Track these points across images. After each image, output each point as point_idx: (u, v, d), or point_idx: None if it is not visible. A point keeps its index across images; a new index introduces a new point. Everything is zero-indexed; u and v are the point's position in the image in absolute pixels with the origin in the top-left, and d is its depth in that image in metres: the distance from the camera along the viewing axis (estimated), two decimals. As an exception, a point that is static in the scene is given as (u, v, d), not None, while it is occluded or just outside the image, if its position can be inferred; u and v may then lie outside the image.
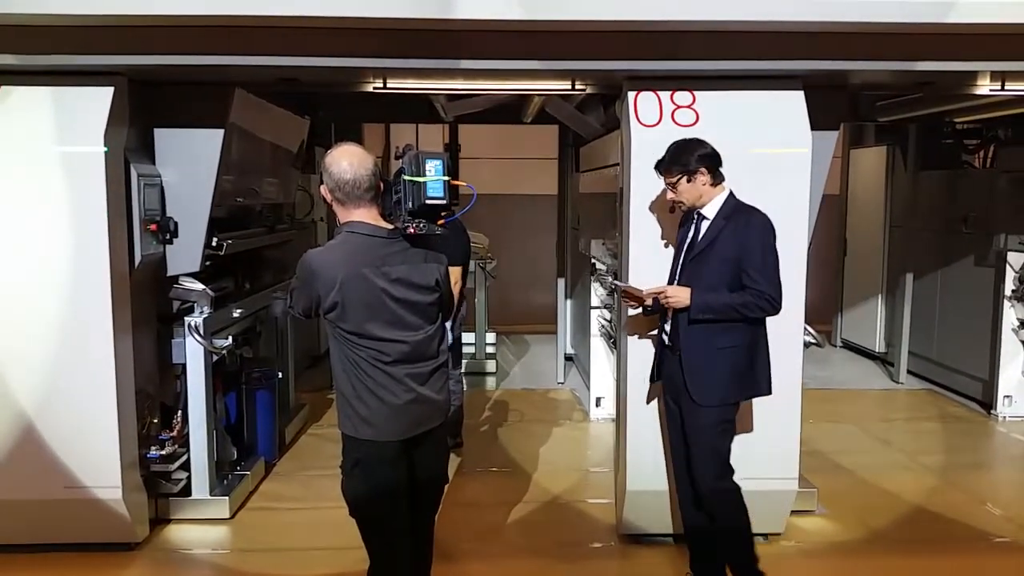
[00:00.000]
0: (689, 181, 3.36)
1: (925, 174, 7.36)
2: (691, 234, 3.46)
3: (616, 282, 3.50)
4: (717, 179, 3.38)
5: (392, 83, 4.29)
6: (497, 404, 6.82)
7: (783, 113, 3.86)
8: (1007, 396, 6.36)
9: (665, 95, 3.88)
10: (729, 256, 3.29)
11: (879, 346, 8.06)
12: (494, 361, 7.95)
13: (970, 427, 6.27)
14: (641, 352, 3.95)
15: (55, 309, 3.77)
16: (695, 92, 3.88)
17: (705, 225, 3.40)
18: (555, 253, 7.62)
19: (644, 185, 3.86)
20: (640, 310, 3.66)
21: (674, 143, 3.46)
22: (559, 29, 3.54)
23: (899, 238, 7.64)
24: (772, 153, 3.79)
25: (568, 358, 7.73)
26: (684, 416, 3.42)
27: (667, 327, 3.50)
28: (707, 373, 3.33)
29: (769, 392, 3.44)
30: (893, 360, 7.51)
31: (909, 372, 7.43)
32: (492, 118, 6.56)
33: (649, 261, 3.89)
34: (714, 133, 3.82)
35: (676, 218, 3.86)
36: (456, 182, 2.74)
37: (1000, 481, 5.35)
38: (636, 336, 3.95)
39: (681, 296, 3.31)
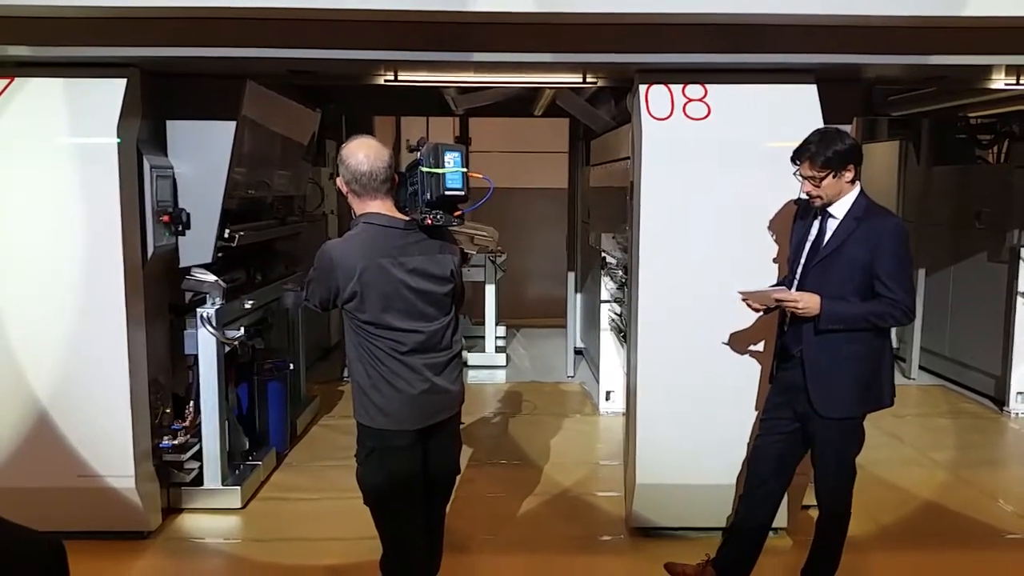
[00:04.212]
0: (835, 177, 3.12)
1: (938, 169, 7.31)
2: (814, 233, 3.25)
3: (741, 291, 3.36)
4: (857, 176, 3.17)
5: (403, 76, 4.30)
6: (507, 397, 6.83)
7: (795, 107, 3.84)
8: (1020, 393, 6.31)
9: (677, 88, 3.86)
10: (860, 260, 3.11)
11: (892, 341, 8.01)
12: (504, 354, 7.97)
13: (982, 423, 6.23)
14: (651, 346, 3.96)
15: (68, 299, 3.81)
16: (707, 85, 3.86)
17: (832, 225, 3.19)
18: (565, 247, 7.62)
19: (655, 179, 3.86)
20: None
21: (818, 132, 3.21)
22: (571, 22, 3.54)
23: (911, 233, 7.59)
24: (784, 147, 3.77)
25: (578, 352, 7.73)
26: (806, 426, 3.27)
27: (786, 331, 3.33)
28: (832, 383, 3.17)
29: (891, 404, 3.28)
30: (905, 356, 7.47)
31: (921, 368, 7.40)
32: (503, 111, 6.56)
33: (659, 255, 3.90)
34: (726, 127, 3.83)
35: (686, 213, 3.87)
36: (473, 174, 2.75)
37: (1012, 478, 5.31)
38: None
39: (812, 305, 3.11)
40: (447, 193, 2.67)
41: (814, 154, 3.13)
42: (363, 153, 2.72)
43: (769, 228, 3.81)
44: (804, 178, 3.19)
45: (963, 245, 6.99)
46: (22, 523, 1.63)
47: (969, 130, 7.32)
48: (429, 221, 2.69)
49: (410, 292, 2.71)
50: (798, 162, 3.19)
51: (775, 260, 3.81)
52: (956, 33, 3.61)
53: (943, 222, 7.22)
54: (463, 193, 2.70)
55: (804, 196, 3.24)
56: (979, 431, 6.06)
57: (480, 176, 2.81)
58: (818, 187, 3.15)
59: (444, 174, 2.66)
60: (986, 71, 4.29)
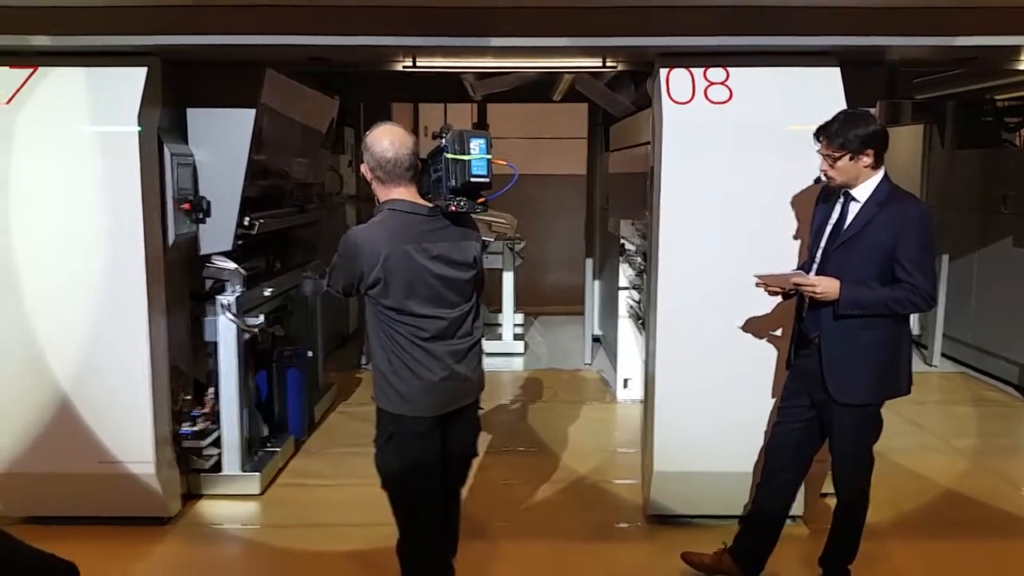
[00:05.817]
0: (852, 160, 3.08)
1: (963, 153, 7.20)
2: (835, 216, 3.21)
3: (757, 275, 3.34)
4: (879, 162, 3.12)
5: (422, 62, 4.28)
6: (525, 384, 6.83)
7: (818, 90, 3.78)
8: (1044, 380, 6.26)
9: (698, 72, 3.82)
10: (882, 245, 3.07)
11: (913, 328, 7.93)
12: (522, 342, 7.97)
13: (1005, 411, 6.16)
14: (670, 333, 3.93)
15: (90, 287, 3.83)
16: (728, 69, 3.81)
17: (855, 208, 3.15)
18: (583, 234, 7.59)
19: (676, 164, 3.82)
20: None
21: (844, 113, 3.18)
22: (590, 5, 3.50)
23: (935, 218, 7.49)
24: (807, 131, 3.73)
25: (596, 339, 7.72)
26: (823, 414, 3.26)
27: (804, 316, 3.29)
28: (849, 370, 3.14)
29: (909, 392, 3.22)
30: (927, 342, 7.40)
31: (943, 355, 7.32)
32: (521, 97, 6.52)
33: (679, 242, 3.87)
34: (748, 110, 3.79)
35: (707, 199, 3.83)
36: (498, 160, 2.74)
37: (1035, 466, 5.26)
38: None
39: (830, 290, 3.08)
40: (472, 180, 2.66)
41: (833, 134, 3.11)
42: (388, 140, 2.73)
43: (791, 213, 3.77)
44: (823, 156, 3.17)
45: (988, 230, 6.89)
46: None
47: (995, 113, 7.20)
48: (453, 208, 2.69)
49: (433, 278, 2.72)
50: (819, 140, 3.17)
51: (796, 243, 3.77)
52: (983, 13, 3.54)
53: (967, 207, 7.11)
54: (488, 180, 2.70)
55: (820, 174, 3.22)
56: (1001, 419, 6.00)
57: (504, 163, 2.79)
58: (833, 167, 3.13)
59: (469, 161, 2.65)
60: (1014, 52, 4.21)
